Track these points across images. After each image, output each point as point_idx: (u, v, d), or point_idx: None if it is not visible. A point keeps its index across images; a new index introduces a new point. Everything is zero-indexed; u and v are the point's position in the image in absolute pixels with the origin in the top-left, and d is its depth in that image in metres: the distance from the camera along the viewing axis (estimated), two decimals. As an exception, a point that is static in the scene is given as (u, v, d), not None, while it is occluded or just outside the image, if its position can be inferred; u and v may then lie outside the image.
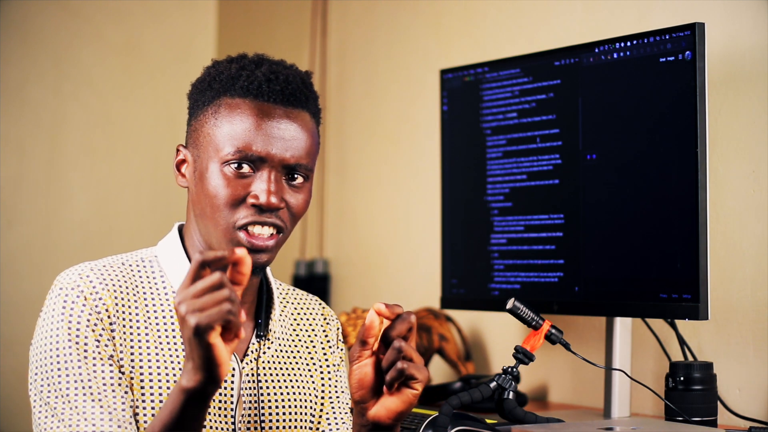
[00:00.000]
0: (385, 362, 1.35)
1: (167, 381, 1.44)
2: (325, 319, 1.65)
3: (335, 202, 3.02)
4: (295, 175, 1.46)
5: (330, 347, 1.63)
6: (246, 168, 1.43)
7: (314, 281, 2.99)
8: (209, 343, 1.22)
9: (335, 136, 3.01)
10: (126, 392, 1.41)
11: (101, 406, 1.39)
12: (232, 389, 1.49)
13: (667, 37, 1.87)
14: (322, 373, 1.61)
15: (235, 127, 1.44)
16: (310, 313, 1.64)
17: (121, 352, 1.42)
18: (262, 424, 1.51)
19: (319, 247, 3.04)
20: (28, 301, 2.93)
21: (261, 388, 1.52)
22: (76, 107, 3.12)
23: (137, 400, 1.42)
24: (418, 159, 2.71)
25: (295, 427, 1.55)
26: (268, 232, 1.44)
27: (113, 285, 1.45)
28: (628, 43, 1.93)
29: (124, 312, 1.44)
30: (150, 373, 1.44)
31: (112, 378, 1.41)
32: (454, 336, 2.44)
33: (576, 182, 2.01)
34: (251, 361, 1.52)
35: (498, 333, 2.46)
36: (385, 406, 1.37)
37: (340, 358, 1.65)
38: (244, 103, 1.45)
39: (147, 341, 1.45)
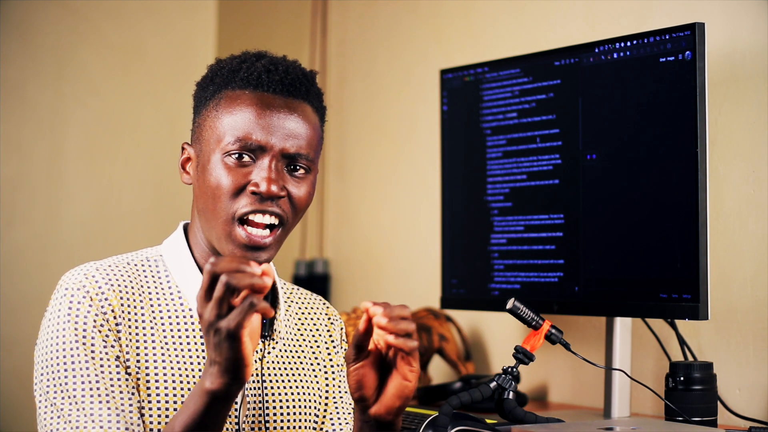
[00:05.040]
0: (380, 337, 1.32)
1: (173, 381, 1.44)
2: (329, 318, 1.65)
3: (335, 202, 3.02)
4: (297, 166, 1.46)
5: (334, 347, 1.63)
6: (246, 158, 1.43)
7: (314, 281, 2.99)
8: (242, 341, 1.23)
9: (335, 136, 3.01)
10: (133, 393, 1.41)
11: (109, 407, 1.38)
12: (236, 389, 1.49)
13: (667, 37, 1.87)
14: (326, 373, 1.61)
15: (235, 118, 1.44)
16: (315, 313, 1.64)
17: (127, 352, 1.43)
18: (267, 425, 1.51)
19: (319, 247, 3.04)
20: (29, 301, 2.93)
21: (265, 388, 1.52)
22: (76, 107, 3.12)
23: (143, 400, 1.42)
24: (419, 159, 2.71)
25: (300, 427, 1.54)
26: (268, 220, 1.43)
27: (119, 285, 1.45)
28: (628, 43, 1.93)
29: (129, 312, 1.44)
30: (156, 373, 1.43)
31: (119, 378, 1.41)
32: (454, 336, 2.44)
33: (576, 182, 2.01)
34: (256, 362, 1.52)
35: (498, 333, 2.46)
36: (384, 404, 1.37)
37: (344, 358, 1.64)
38: (245, 94, 1.45)
39: (153, 341, 1.45)
